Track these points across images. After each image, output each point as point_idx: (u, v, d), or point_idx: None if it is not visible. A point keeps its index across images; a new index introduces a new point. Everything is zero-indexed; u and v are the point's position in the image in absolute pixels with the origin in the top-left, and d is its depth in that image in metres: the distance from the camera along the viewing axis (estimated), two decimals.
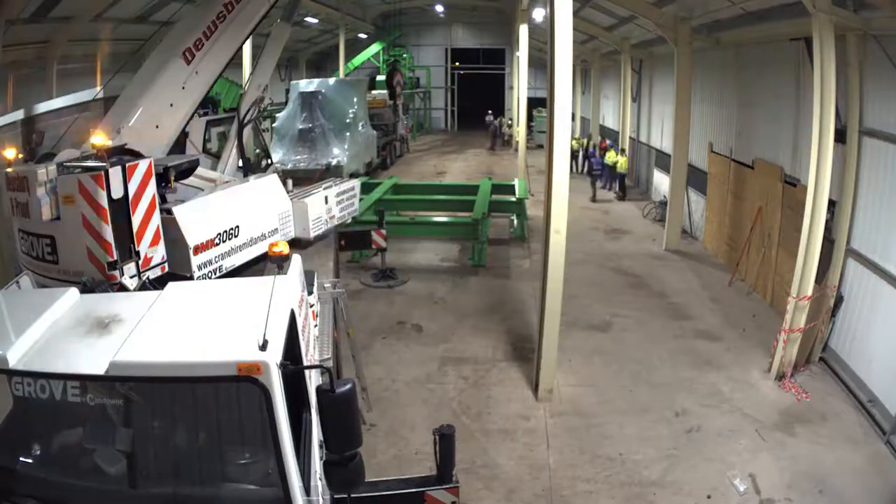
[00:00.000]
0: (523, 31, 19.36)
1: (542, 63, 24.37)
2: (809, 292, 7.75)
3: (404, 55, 33.43)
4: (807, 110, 8.19)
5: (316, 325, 5.39)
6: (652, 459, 6.50)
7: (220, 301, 3.71)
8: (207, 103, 9.20)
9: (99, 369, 3.02)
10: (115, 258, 4.68)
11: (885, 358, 7.16)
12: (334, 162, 19.20)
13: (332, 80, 22.81)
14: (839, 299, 8.21)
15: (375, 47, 33.55)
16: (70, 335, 3.37)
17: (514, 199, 14.89)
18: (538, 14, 18.18)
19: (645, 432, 6.97)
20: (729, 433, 6.93)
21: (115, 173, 4.63)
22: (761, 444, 6.70)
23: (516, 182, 15.76)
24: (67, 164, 4.85)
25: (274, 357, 2.97)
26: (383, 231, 11.04)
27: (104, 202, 4.55)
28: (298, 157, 19.49)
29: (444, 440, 4.07)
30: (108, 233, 4.60)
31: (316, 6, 23.84)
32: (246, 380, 2.90)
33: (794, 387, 7.82)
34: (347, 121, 21.14)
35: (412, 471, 6.31)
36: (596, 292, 11.15)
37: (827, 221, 7.64)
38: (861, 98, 7.83)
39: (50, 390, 3.11)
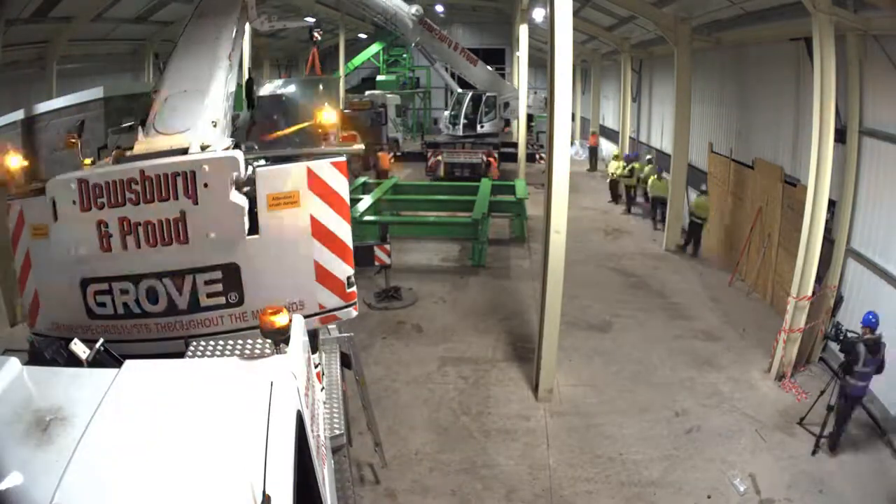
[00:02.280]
0: (523, 31, 19.35)
1: (542, 63, 24.36)
2: (809, 292, 7.75)
3: (404, 55, 33.43)
4: (807, 110, 8.19)
5: (323, 389, 4.27)
6: (652, 459, 6.50)
7: (194, 402, 2.55)
8: None
9: None
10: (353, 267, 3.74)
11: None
12: None
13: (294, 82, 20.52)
14: (839, 299, 8.21)
15: (375, 47, 33.51)
16: (2, 437, 2.39)
17: (514, 199, 14.89)
18: (538, 14, 18.17)
19: (645, 432, 6.97)
20: (729, 433, 6.93)
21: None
22: (761, 444, 6.70)
23: (516, 182, 15.77)
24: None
25: None
26: (387, 246, 10.22)
27: (346, 195, 3.64)
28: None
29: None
30: (349, 235, 3.67)
31: (316, 6, 23.85)
32: None
33: (794, 387, 7.82)
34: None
35: (413, 471, 6.32)
36: (596, 292, 11.14)
37: (827, 221, 7.64)
38: (861, 98, 7.83)
39: None
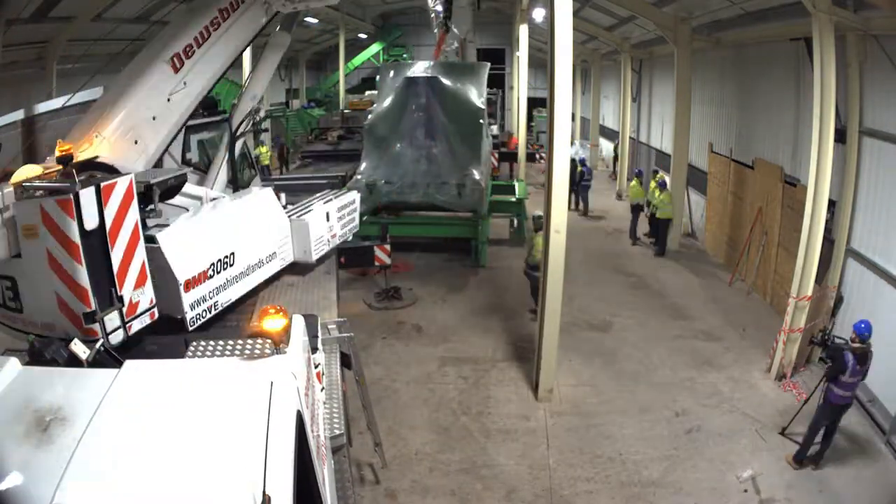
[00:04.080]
0: (523, 31, 19.34)
1: (542, 63, 24.35)
2: (809, 292, 7.75)
3: (404, 55, 33.42)
4: (807, 110, 8.19)
5: (323, 389, 4.24)
6: (652, 459, 6.50)
7: (194, 402, 2.56)
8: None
9: None
10: (94, 307, 3.76)
11: (884, 358, 7.13)
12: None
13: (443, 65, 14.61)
14: (839, 299, 8.21)
15: (375, 47, 33.53)
16: (3, 437, 2.41)
17: (514, 199, 14.88)
18: (538, 14, 18.17)
19: (645, 432, 6.97)
20: (729, 433, 6.93)
21: (88, 196, 3.70)
22: (761, 444, 6.71)
23: (516, 182, 15.76)
24: (27, 184, 3.78)
25: None
26: (387, 246, 10.05)
27: (75, 235, 3.65)
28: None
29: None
30: (83, 275, 3.69)
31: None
32: None
33: (794, 387, 7.82)
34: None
35: (413, 471, 6.31)
36: (596, 292, 11.15)
37: (827, 221, 7.64)
38: (861, 98, 7.83)
39: None
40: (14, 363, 2.78)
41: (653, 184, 13.90)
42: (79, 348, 3.33)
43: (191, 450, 2.25)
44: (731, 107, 12.71)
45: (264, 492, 2.01)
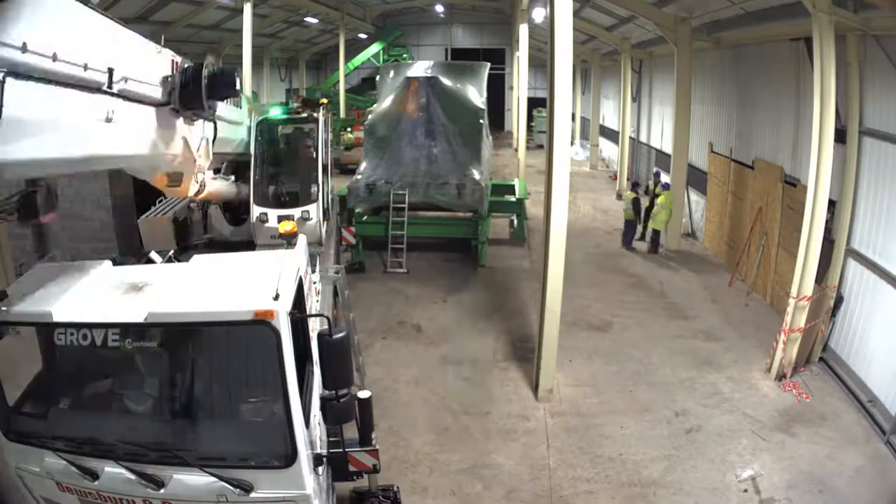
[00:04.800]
0: (523, 31, 19.36)
1: (542, 63, 24.37)
2: (809, 292, 7.75)
3: (404, 55, 33.43)
4: (807, 110, 8.20)
5: (318, 301, 5.87)
6: (652, 459, 6.50)
7: (239, 267, 4.23)
8: None
9: (138, 319, 3.52)
10: None
11: (884, 358, 7.16)
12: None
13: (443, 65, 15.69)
14: (839, 299, 8.21)
15: (375, 47, 33.54)
16: (106, 296, 3.82)
17: (513, 199, 14.87)
18: (538, 14, 18.16)
19: (645, 432, 6.97)
20: (729, 433, 6.93)
21: None
22: (761, 444, 6.71)
23: (516, 182, 15.75)
24: None
25: (284, 306, 3.50)
26: (353, 228, 11.56)
27: None
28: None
29: (363, 405, 4.31)
30: None
31: (316, 6, 23.83)
32: (261, 323, 3.42)
33: (794, 386, 7.82)
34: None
35: (413, 471, 6.32)
36: (596, 292, 11.15)
37: (827, 221, 7.64)
38: (861, 98, 7.83)
39: (91, 338, 3.55)
40: (108, 263, 4.24)
41: (657, 188, 13.80)
42: (155, 257, 5.05)
43: (236, 280, 3.96)
44: (731, 107, 12.71)
45: (276, 291, 3.55)
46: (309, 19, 25.93)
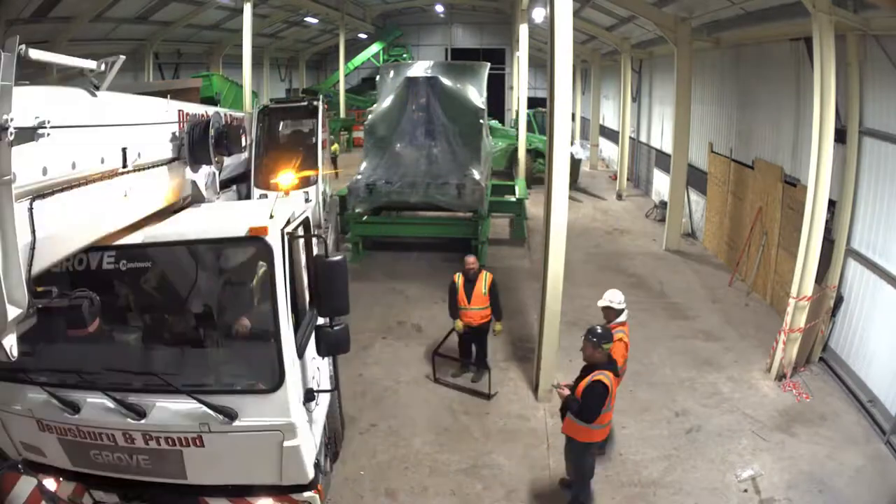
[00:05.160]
0: (523, 31, 19.34)
1: (542, 63, 24.36)
2: (809, 292, 7.75)
3: (404, 55, 33.43)
4: (807, 110, 8.20)
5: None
6: (652, 459, 6.50)
7: (241, 206, 4.73)
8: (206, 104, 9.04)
9: (135, 241, 3.65)
10: None
11: (885, 358, 7.16)
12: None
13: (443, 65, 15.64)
14: (839, 299, 8.21)
15: (375, 47, 33.54)
16: None
17: (513, 199, 14.88)
18: (538, 14, 18.16)
19: (645, 432, 6.97)
20: (729, 433, 6.92)
21: None
22: (761, 444, 6.70)
23: (516, 182, 15.77)
24: None
25: (278, 224, 3.66)
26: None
27: None
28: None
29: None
30: None
31: (316, 6, 23.84)
32: (255, 240, 3.56)
33: (795, 386, 7.82)
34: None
35: (414, 471, 6.31)
36: (596, 292, 11.02)
37: (827, 221, 7.64)
38: (861, 98, 7.83)
39: (87, 262, 3.62)
40: None
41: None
42: None
43: (237, 212, 4.51)
44: (731, 107, 12.71)
45: (271, 212, 3.71)
46: (309, 19, 25.93)
